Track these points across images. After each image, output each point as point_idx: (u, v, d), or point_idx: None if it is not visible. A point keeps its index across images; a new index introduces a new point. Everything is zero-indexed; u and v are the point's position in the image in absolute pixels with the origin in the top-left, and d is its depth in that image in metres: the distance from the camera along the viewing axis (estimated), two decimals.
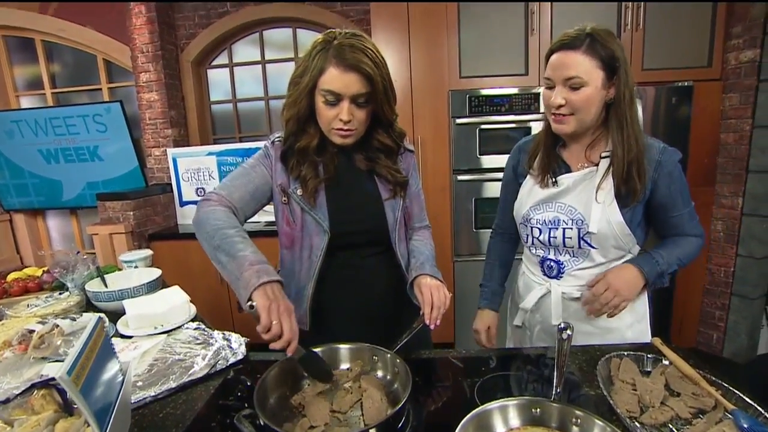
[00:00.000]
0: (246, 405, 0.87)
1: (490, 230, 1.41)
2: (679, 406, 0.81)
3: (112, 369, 0.72)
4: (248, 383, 0.93)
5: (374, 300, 1.13)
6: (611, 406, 0.80)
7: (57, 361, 1.06)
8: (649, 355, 0.94)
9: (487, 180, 2.67)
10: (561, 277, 1.17)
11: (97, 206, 2.76)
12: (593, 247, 1.10)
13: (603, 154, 1.07)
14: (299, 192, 1.07)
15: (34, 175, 3.20)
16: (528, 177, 1.20)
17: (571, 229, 1.10)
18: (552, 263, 1.17)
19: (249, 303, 0.79)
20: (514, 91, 2.56)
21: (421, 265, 1.09)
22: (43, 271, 1.68)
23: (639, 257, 1.11)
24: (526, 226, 1.18)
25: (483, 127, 2.62)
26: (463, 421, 0.72)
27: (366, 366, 0.94)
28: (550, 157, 1.14)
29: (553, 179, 1.13)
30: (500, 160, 2.64)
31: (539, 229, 1.16)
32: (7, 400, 0.78)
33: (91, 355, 0.64)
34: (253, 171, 1.09)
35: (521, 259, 1.33)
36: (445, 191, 2.67)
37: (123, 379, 0.76)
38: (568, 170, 1.13)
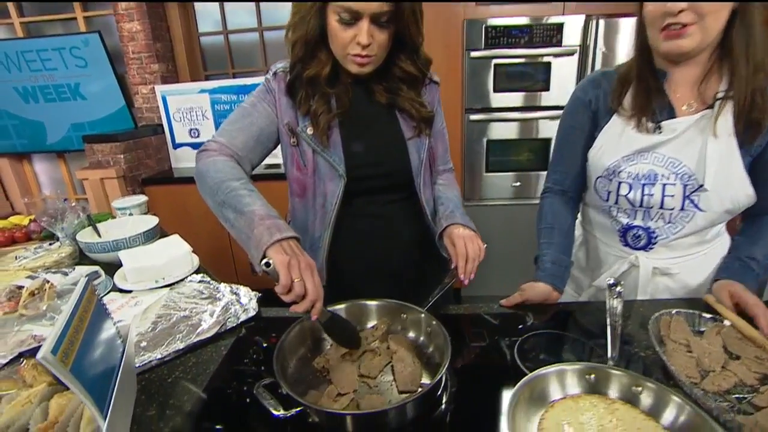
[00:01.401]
0: (262, 369, 0.79)
1: (542, 189, 1.16)
2: (742, 370, 0.73)
3: (108, 337, 0.63)
4: (264, 344, 0.84)
5: (396, 252, 1.03)
6: (666, 370, 0.72)
7: (52, 319, 0.97)
8: (703, 315, 0.85)
9: (501, 120, 2.50)
10: (651, 248, 0.99)
11: (84, 150, 2.59)
12: (700, 210, 0.92)
13: (719, 94, 0.86)
14: (309, 131, 0.92)
15: (12, 115, 2.98)
16: (614, 118, 0.96)
17: (674, 185, 0.91)
18: (640, 231, 0.99)
19: (264, 261, 0.68)
20: (535, 21, 2.32)
21: (450, 213, 0.97)
22: (30, 219, 1.56)
23: (733, 268, 0.93)
24: (610, 181, 0.97)
25: (498, 61, 2.41)
26: (516, 387, 0.64)
27: (393, 325, 0.85)
28: (649, 94, 0.91)
29: (655, 123, 0.91)
30: (515, 99, 2.46)
31: (629, 185, 0.95)
32: None
33: (82, 326, 0.54)
34: (254, 111, 0.94)
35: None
36: (455, 132, 2.51)
37: (123, 347, 0.67)
38: (671, 112, 0.91)
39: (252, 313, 0.97)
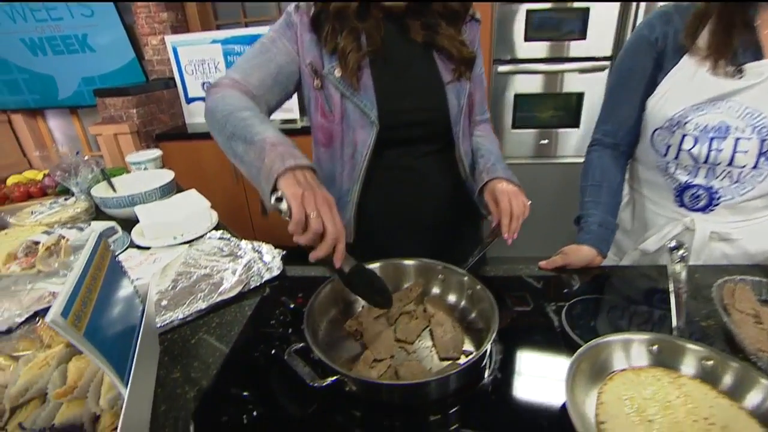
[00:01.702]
0: (290, 332, 0.74)
1: (589, 142, 1.04)
2: None
3: (126, 296, 0.57)
4: (291, 305, 0.79)
5: (430, 209, 0.95)
6: (731, 342, 0.65)
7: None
8: None
9: (530, 72, 2.33)
10: (711, 210, 0.89)
11: (97, 105, 2.51)
12: None
13: None
14: (337, 72, 0.83)
15: (22, 69, 2.89)
16: (685, 59, 0.83)
17: (749, 140, 0.80)
18: (700, 191, 0.88)
19: (276, 195, 0.59)
20: None
21: (492, 166, 0.88)
22: (44, 174, 1.51)
23: None
24: (672, 133, 0.86)
25: (532, 7, 2.21)
26: (574, 357, 0.57)
27: (429, 287, 0.79)
28: (732, 30, 0.78)
29: (735, 66, 0.78)
30: (546, 50, 2.28)
31: (694, 139, 0.84)
32: (9, 330, 0.66)
33: (95, 285, 0.48)
34: (273, 47, 0.84)
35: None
36: None
37: (143, 307, 0.61)
38: (757, 53, 0.78)
39: (276, 272, 0.92)
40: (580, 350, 0.59)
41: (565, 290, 0.83)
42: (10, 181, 1.51)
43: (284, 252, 0.97)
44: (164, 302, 0.84)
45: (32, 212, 1.25)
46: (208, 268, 0.95)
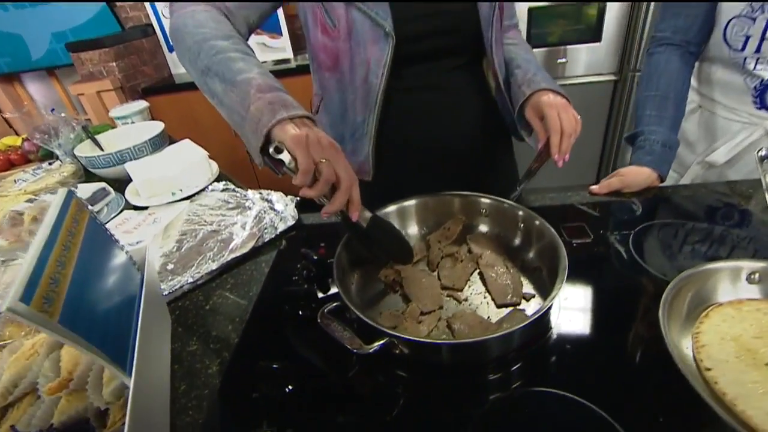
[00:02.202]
0: (316, 287, 0.64)
1: (651, 42, 0.87)
2: None
3: (117, 265, 0.47)
4: (314, 257, 0.69)
5: (459, 135, 0.81)
6: None
7: None
8: None
9: None
10: None
11: (73, 62, 2.31)
12: None
13: None
14: None
15: None
16: None
17: None
18: None
19: (275, 146, 0.49)
20: None
21: (533, 77, 0.73)
22: (23, 139, 1.38)
23: None
24: (753, 21, 0.72)
25: None
26: (668, 289, 0.47)
27: (471, 222, 0.68)
28: None
29: None
30: None
31: None
32: None
33: (68, 256, 0.37)
34: None
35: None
36: None
37: (142, 275, 0.51)
38: None
39: (291, 222, 0.81)
40: (672, 283, 0.48)
41: (627, 217, 0.72)
42: None
43: (297, 198, 0.86)
44: (170, 266, 0.74)
45: (16, 180, 1.13)
46: (214, 224, 0.84)
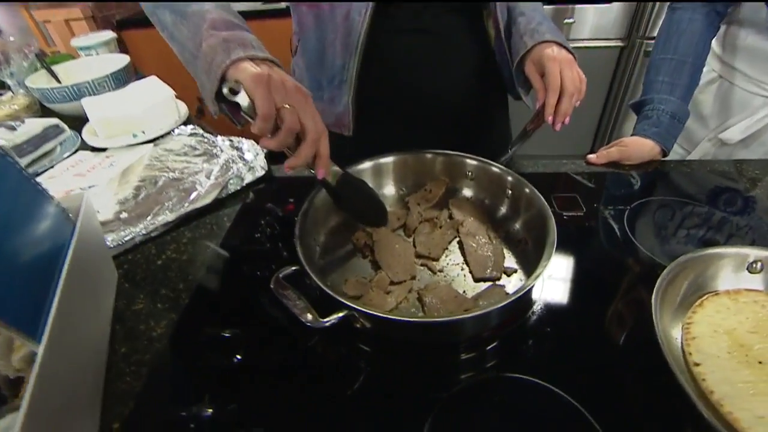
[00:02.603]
0: (281, 246, 0.58)
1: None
2: None
3: (39, 217, 0.40)
4: (279, 213, 0.63)
5: (451, 87, 0.73)
6: None
7: None
8: None
9: None
10: None
11: None
12: None
13: None
14: None
15: None
16: None
17: None
18: None
19: (230, 86, 0.42)
20: None
21: (537, 27, 0.65)
22: None
23: None
24: None
25: None
26: (663, 274, 0.43)
27: (455, 186, 0.62)
28: None
29: None
30: None
31: None
32: None
33: None
34: None
35: None
36: None
37: (74, 227, 0.45)
38: None
39: (260, 173, 0.74)
40: (669, 267, 0.43)
41: (623, 191, 0.66)
42: None
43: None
44: (123, 215, 0.67)
45: None
46: (177, 171, 0.77)
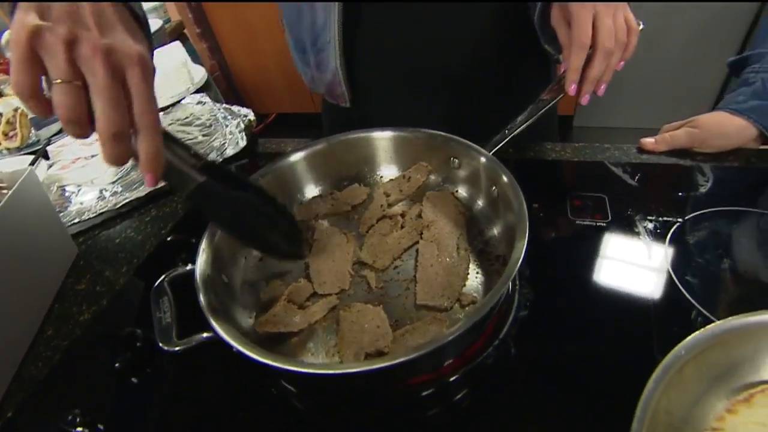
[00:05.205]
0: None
1: None
2: None
3: None
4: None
5: (465, 39, 0.57)
6: None
7: (31, 153, 0.80)
8: None
9: None
10: None
11: None
12: None
13: None
14: None
15: None
16: None
17: None
18: None
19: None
20: None
21: None
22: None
23: None
24: None
25: None
26: (671, 356, 0.27)
27: (438, 176, 0.49)
28: None
29: None
30: None
31: None
32: None
33: None
34: None
35: None
36: None
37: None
38: None
39: (242, 144, 0.68)
40: (695, 336, 0.28)
41: (680, 194, 0.47)
42: None
43: (250, 119, 0.73)
44: (119, 188, 0.66)
45: None
46: None
